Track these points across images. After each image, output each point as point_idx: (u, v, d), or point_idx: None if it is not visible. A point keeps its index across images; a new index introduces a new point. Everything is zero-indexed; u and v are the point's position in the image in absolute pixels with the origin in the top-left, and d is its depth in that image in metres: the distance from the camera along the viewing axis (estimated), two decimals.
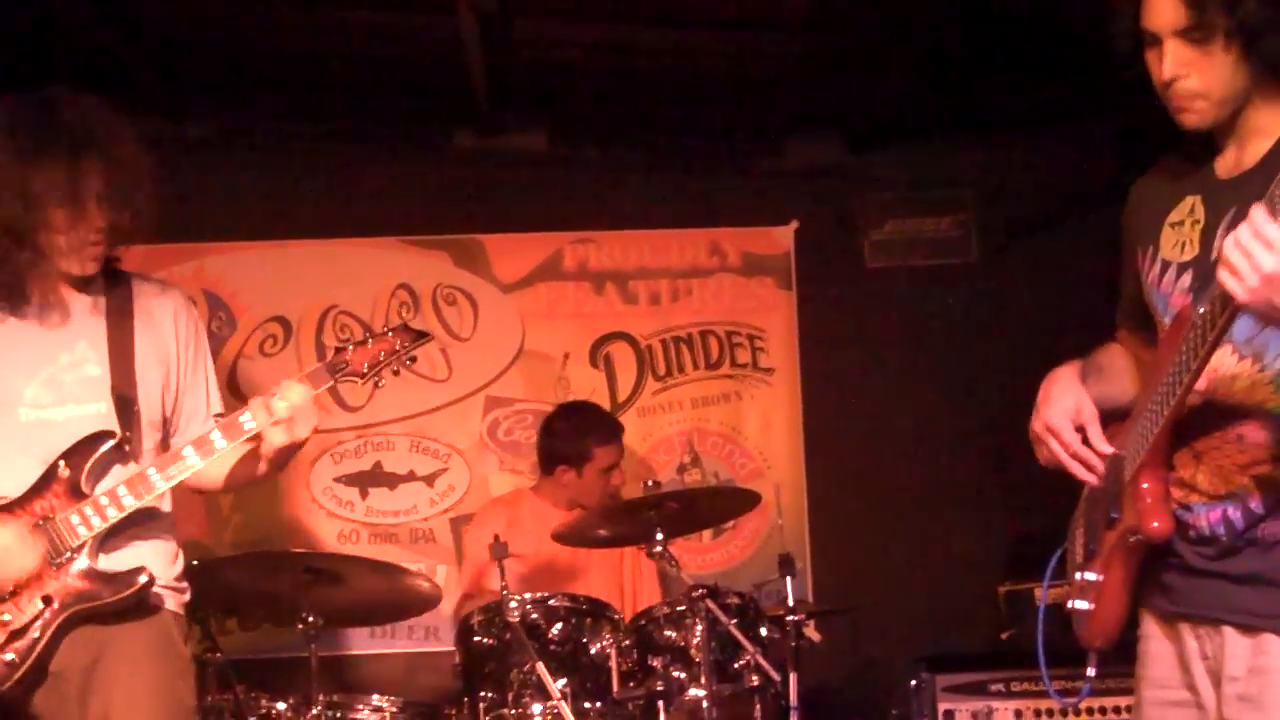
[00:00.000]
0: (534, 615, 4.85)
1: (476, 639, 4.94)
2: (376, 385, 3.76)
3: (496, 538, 4.87)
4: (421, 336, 3.79)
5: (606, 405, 6.40)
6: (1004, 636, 5.57)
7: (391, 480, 6.53)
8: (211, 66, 6.02)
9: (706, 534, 6.51)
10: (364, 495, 6.51)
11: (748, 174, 6.78)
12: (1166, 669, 2.93)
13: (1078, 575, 3.07)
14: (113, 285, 3.69)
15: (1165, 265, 2.90)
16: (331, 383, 3.66)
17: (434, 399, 6.54)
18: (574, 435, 5.80)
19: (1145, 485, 2.80)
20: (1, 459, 3.52)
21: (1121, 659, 3.09)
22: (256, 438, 3.56)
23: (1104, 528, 2.96)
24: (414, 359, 3.80)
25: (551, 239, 6.70)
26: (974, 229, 6.79)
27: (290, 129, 6.43)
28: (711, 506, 5.64)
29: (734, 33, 5.84)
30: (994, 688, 5.38)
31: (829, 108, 6.51)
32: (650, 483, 5.02)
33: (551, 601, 4.93)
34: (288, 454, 3.62)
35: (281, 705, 4.86)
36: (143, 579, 3.50)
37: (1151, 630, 2.97)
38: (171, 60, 5.93)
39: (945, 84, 6.05)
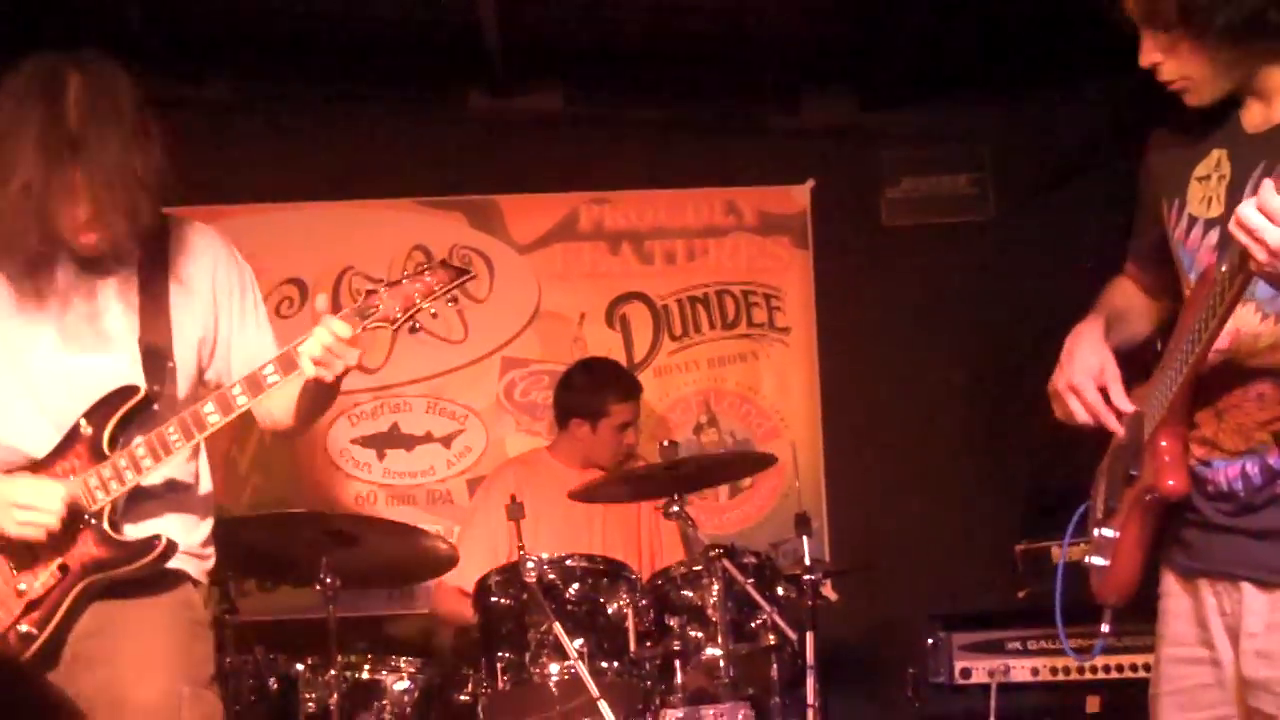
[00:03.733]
0: (551, 575, 4.85)
1: (493, 599, 4.94)
2: (411, 330, 3.53)
3: (513, 498, 4.87)
4: (463, 274, 3.58)
5: (623, 365, 6.39)
6: (1021, 595, 5.55)
7: (408, 441, 6.53)
8: (226, 28, 6.01)
9: (723, 493, 6.52)
10: (381, 456, 6.52)
11: (764, 133, 6.75)
12: (1184, 626, 2.94)
13: (1096, 532, 3.07)
14: (148, 236, 3.49)
15: (1192, 220, 2.90)
16: (361, 328, 3.44)
17: (450, 360, 6.54)
18: (591, 389, 5.82)
19: (1163, 443, 2.80)
20: (14, 411, 3.42)
21: (1142, 617, 3.09)
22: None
23: (1123, 485, 2.96)
24: (454, 299, 3.56)
25: (567, 199, 6.69)
26: (991, 186, 6.77)
27: (305, 91, 6.41)
28: (728, 469, 5.64)
29: None
30: (1011, 646, 5.37)
31: (845, 65, 6.49)
32: (666, 443, 5.01)
33: (568, 562, 4.93)
34: (337, 386, 3.52)
35: (300, 666, 4.88)
36: (160, 546, 3.37)
37: (1171, 587, 2.98)
38: (185, 22, 5.92)
39: (961, 40, 6.02)
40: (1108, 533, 3.00)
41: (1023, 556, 5.55)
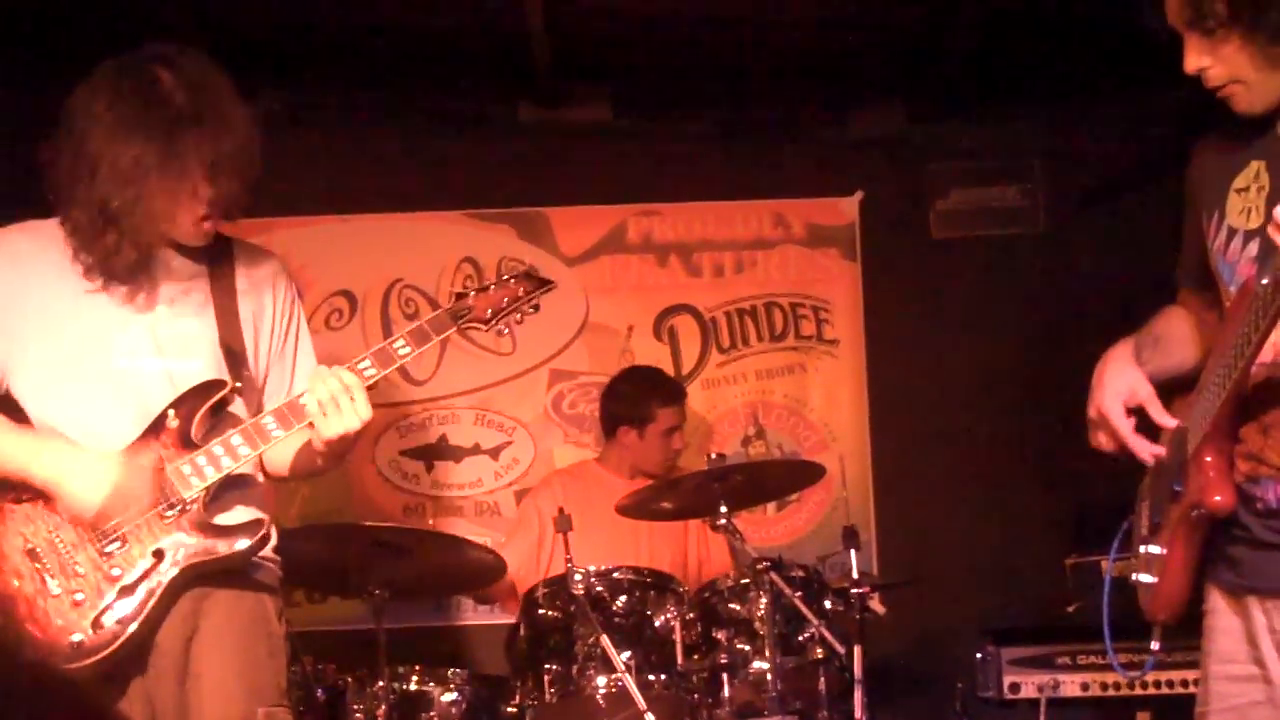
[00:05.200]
0: (598, 587, 4.86)
1: (541, 611, 4.95)
2: (500, 333, 3.69)
3: (561, 510, 4.87)
4: (545, 284, 3.71)
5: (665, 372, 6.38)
6: (1070, 609, 5.53)
7: (456, 453, 6.54)
8: (278, 41, 6.03)
9: (770, 507, 6.50)
10: (429, 469, 6.53)
11: (812, 144, 6.74)
12: (1233, 643, 2.91)
13: (1142, 549, 3.04)
14: (213, 247, 3.58)
15: (1231, 232, 2.87)
16: (455, 329, 3.59)
17: (498, 372, 6.55)
18: (636, 396, 5.84)
19: (1208, 459, 2.77)
20: (96, 410, 3.43)
21: (1192, 633, 3.07)
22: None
23: (1168, 501, 2.94)
24: (537, 307, 3.70)
25: (615, 211, 6.69)
26: (1041, 198, 6.73)
27: (354, 103, 6.44)
28: (775, 479, 5.63)
29: (799, 1, 5.81)
30: (1060, 660, 5.35)
31: (894, 77, 6.47)
32: (714, 455, 5.01)
33: (616, 574, 4.94)
34: (343, 445, 3.50)
35: (348, 678, 4.89)
36: (260, 532, 3.43)
37: (1218, 604, 2.94)
38: (236, 34, 5.94)
39: (1010, 51, 5.99)
40: (1155, 549, 2.97)
41: (1073, 570, 5.52)
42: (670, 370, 6.47)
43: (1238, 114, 2.86)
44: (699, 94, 6.56)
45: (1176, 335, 3.15)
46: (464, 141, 6.58)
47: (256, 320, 3.63)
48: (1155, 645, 3.07)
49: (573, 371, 6.59)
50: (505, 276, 3.67)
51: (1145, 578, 3.01)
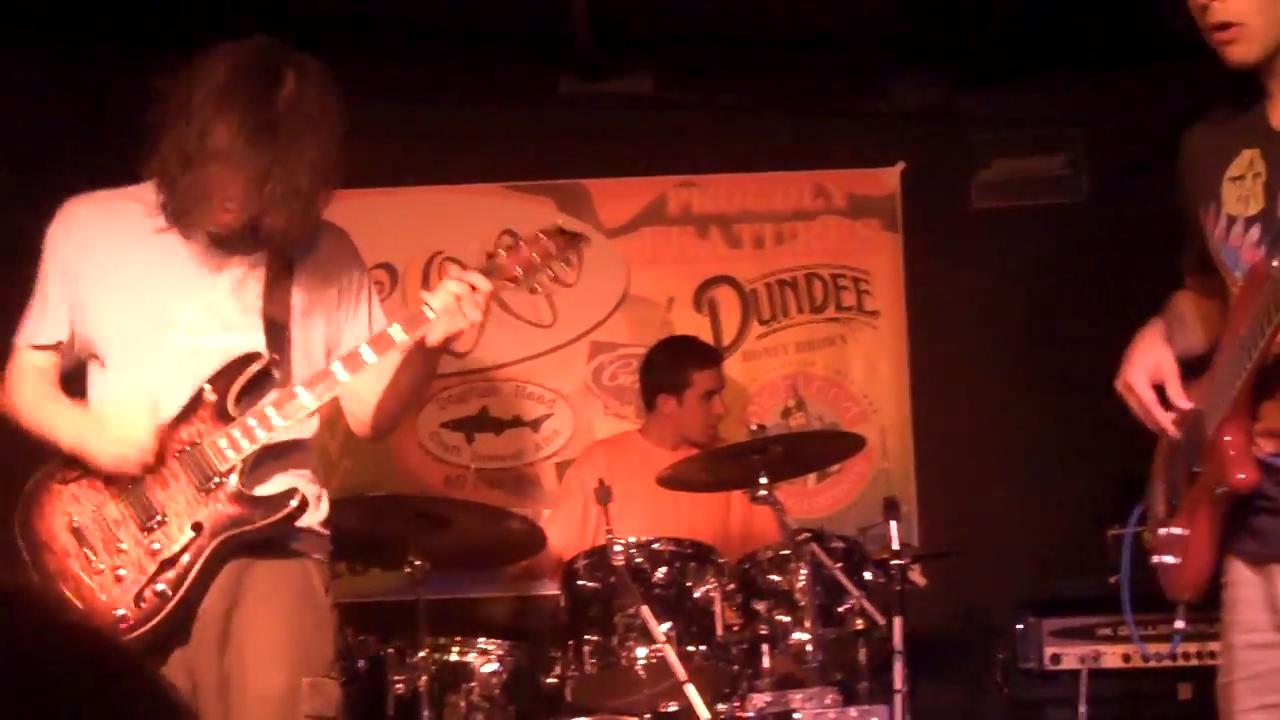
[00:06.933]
0: (638, 559, 4.86)
1: (580, 583, 4.96)
2: (532, 290, 3.69)
3: (601, 481, 4.88)
4: (576, 238, 3.73)
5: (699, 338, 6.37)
6: (1113, 580, 5.50)
7: (497, 425, 6.55)
8: (319, 14, 6.04)
9: (811, 478, 6.47)
10: (470, 440, 6.54)
11: (853, 115, 6.71)
12: (1255, 612, 2.94)
13: (1161, 530, 3.07)
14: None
15: (1231, 220, 2.90)
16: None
17: (539, 344, 6.56)
18: (672, 363, 5.86)
19: (1228, 438, 2.80)
20: (156, 386, 3.47)
21: (1216, 603, 3.09)
22: (418, 344, 3.53)
23: (1186, 483, 2.97)
24: (569, 262, 3.71)
25: (655, 183, 6.67)
26: (1084, 168, 6.68)
27: (395, 75, 6.44)
28: (816, 450, 5.62)
29: None
30: (1101, 632, 5.33)
31: (935, 46, 6.44)
32: (755, 426, 5.01)
33: (656, 545, 4.94)
34: (439, 353, 3.59)
35: (389, 649, 4.92)
36: (294, 501, 3.46)
37: (1241, 576, 2.97)
38: (277, 8, 5.96)
39: (1052, 19, 5.96)
40: (1176, 531, 3.00)
41: (1114, 542, 5.48)
42: (710, 341, 6.46)
43: (1230, 64, 2.86)
44: (739, 65, 6.54)
45: (1195, 314, 3.21)
46: (505, 114, 6.58)
47: (322, 287, 3.66)
48: (1180, 624, 3.11)
49: (613, 343, 6.58)
50: (536, 233, 3.67)
51: (1168, 559, 3.04)
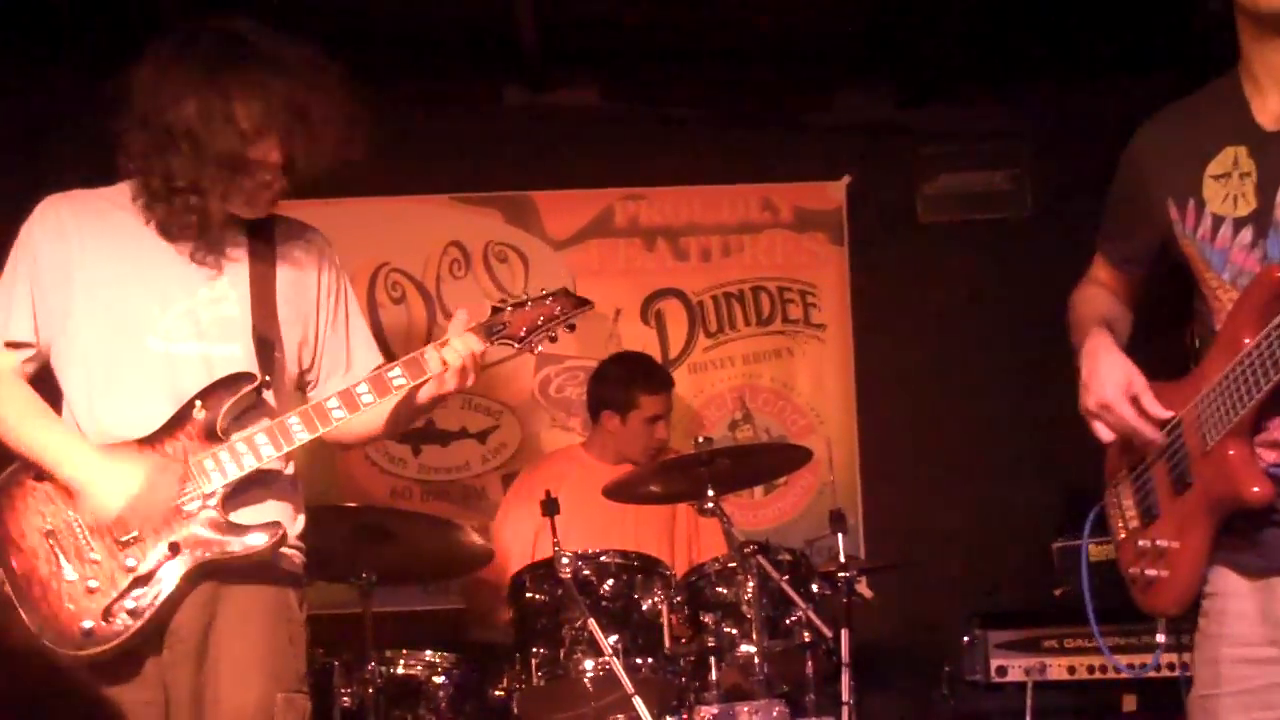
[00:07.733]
0: (585, 571, 4.85)
1: (528, 595, 4.94)
2: (531, 351, 3.71)
3: (548, 493, 4.86)
4: (582, 303, 3.75)
5: (656, 360, 6.37)
6: (1058, 593, 5.54)
7: (444, 437, 6.53)
8: (261, 24, 6.00)
9: (758, 491, 6.50)
10: (416, 452, 6.52)
11: (800, 129, 6.73)
12: (1250, 626, 2.85)
13: (1141, 542, 3.00)
14: (256, 222, 3.58)
15: (1218, 220, 2.85)
16: (489, 345, 3.61)
17: (486, 356, 6.51)
18: (622, 382, 5.83)
19: (1232, 452, 2.74)
20: (128, 391, 3.42)
21: (1180, 616, 3.06)
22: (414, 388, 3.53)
23: (1171, 493, 2.91)
24: (572, 326, 3.74)
25: (602, 195, 6.68)
26: (1029, 183, 6.72)
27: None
28: (763, 463, 5.61)
29: None
30: (1047, 644, 5.36)
31: (881, 62, 6.47)
32: (701, 439, 5.00)
33: (603, 558, 4.93)
34: (438, 403, 3.61)
35: (335, 662, 4.88)
36: (274, 534, 3.40)
37: (1233, 587, 2.87)
38: (222, 16, 5.92)
39: (998, 35, 5.99)
40: (1161, 543, 2.94)
41: (1059, 554, 5.53)
42: (657, 354, 6.47)
43: (1263, 10, 2.76)
44: (686, 78, 6.56)
45: (1118, 321, 3.19)
46: (451, 125, 6.55)
47: (299, 300, 3.62)
48: (1161, 638, 3.06)
49: (560, 356, 6.56)
50: (543, 293, 3.69)
51: (1151, 571, 2.97)
